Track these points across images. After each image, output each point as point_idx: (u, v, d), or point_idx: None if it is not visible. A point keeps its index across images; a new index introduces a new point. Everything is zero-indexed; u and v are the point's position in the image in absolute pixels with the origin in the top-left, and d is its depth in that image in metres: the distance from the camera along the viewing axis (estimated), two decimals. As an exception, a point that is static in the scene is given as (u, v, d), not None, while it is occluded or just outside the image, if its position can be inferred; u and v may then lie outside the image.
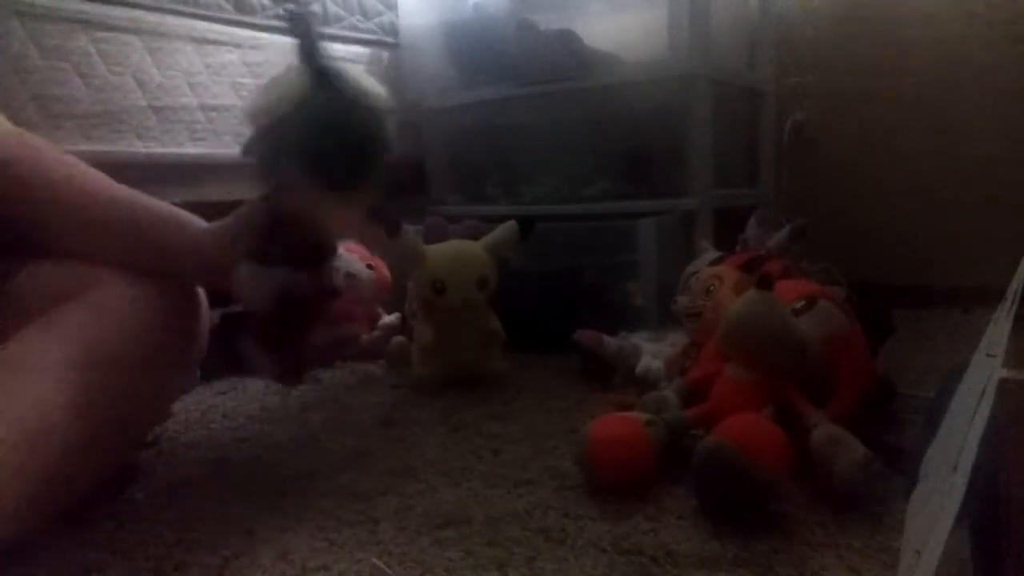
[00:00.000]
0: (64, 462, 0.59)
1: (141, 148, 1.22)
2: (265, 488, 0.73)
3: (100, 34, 1.16)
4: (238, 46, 1.36)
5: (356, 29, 1.60)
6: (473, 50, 1.58)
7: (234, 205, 0.75)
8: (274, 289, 0.70)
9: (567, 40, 1.46)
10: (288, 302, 0.74)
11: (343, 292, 0.87)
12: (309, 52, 0.64)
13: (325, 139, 0.63)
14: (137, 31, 1.21)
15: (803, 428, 0.67)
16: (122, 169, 1.16)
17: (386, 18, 1.67)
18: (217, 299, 0.91)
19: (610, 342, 1.05)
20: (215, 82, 1.32)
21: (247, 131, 0.68)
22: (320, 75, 0.64)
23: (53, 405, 0.59)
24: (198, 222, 0.75)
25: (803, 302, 0.77)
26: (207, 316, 0.81)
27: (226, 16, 1.35)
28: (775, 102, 1.64)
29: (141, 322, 0.69)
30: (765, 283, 0.71)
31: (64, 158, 0.74)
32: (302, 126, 0.63)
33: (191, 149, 1.29)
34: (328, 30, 1.54)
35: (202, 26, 1.31)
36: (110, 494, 0.72)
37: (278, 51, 1.43)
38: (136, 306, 0.69)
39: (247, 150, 0.67)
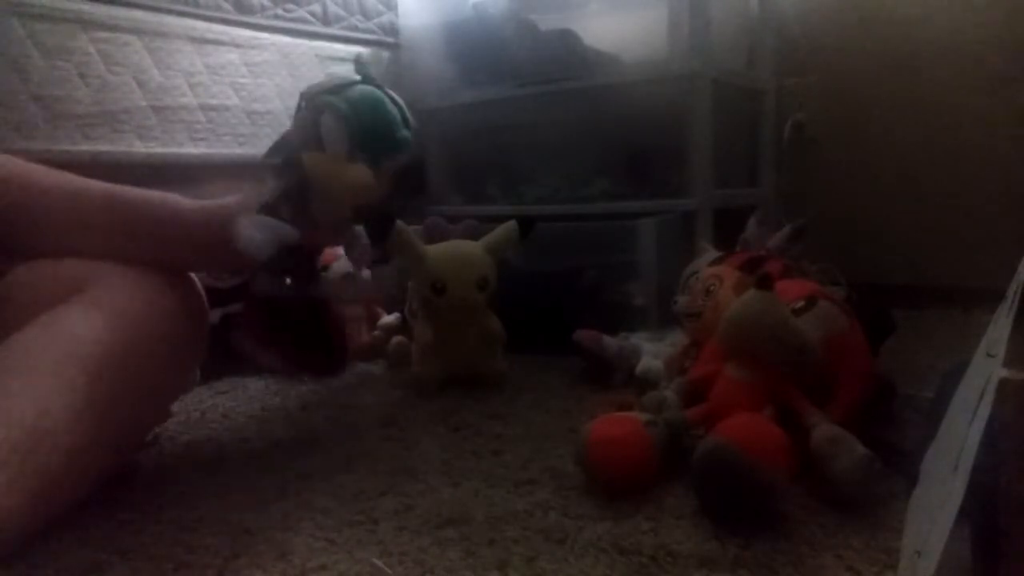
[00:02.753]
0: (64, 462, 0.59)
1: (141, 148, 1.22)
2: (265, 488, 0.73)
3: (100, 34, 1.17)
4: (238, 46, 1.36)
5: (356, 29, 1.60)
6: (473, 50, 1.58)
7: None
8: (273, 236, 0.72)
9: (567, 40, 1.46)
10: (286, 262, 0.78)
11: (333, 300, 0.91)
12: (362, 68, 0.82)
13: (366, 106, 0.78)
14: (137, 31, 1.21)
15: (803, 428, 0.67)
16: (122, 169, 1.17)
17: (386, 18, 1.67)
18: (217, 299, 0.91)
19: (610, 342, 1.05)
20: (215, 82, 1.32)
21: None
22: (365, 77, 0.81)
23: (53, 405, 0.59)
24: (188, 202, 0.75)
25: (803, 302, 0.77)
26: (208, 316, 0.81)
27: (226, 16, 1.35)
28: (775, 102, 1.64)
29: (142, 321, 0.69)
30: (765, 283, 0.71)
31: (42, 167, 0.74)
32: (347, 92, 0.78)
33: (191, 149, 1.29)
34: (328, 30, 1.54)
35: (202, 26, 1.31)
36: (110, 494, 0.72)
37: (278, 51, 1.44)
38: (137, 305, 0.69)
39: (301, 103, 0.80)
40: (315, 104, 0.77)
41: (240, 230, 0.71)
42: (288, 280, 0.84)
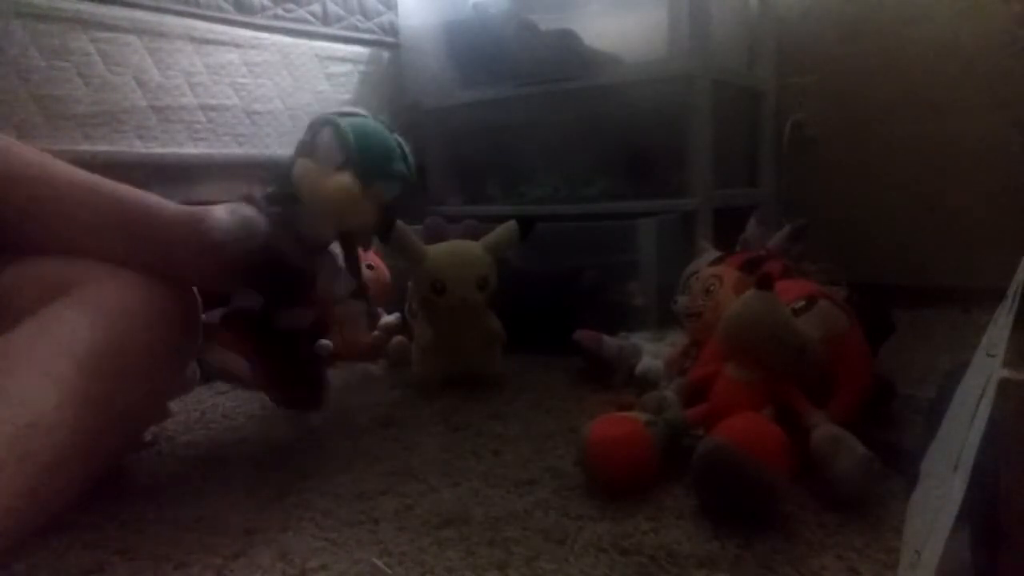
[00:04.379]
0: (60, 461, 0.59)
1: (141, 148, 1.22)
2: (265, 488, 0.73)
3: (100, 34, 1.17)
4: (238, 46, 1.36)
5: (356, 29, 1.60)
6: (473, 50, 1.58)
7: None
8: (243, 220, 0.72)
9: (567, 40, 1.46)
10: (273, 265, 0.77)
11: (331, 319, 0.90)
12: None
13: (366, 129, 0.78)
14: (137, 31, 1.21)
15: (803, 428, 0.67)
16: (122, 169, 1.17)
17: (386, 18, 1.67)
18: (217, 299, 0.91)
19: (610, 342, 1.05)
20: (215, 82, 1.32)
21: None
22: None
23: (47, 404, 0.59)
24: (174, 207, 0.75)
25: (803, 302, 0.77)
26: (200, 313, 0.81)
27: (226, 16, 1.35)
28: (775, 102, 1.64)
29: (134, 319, 0.69)
30: (765, 283, 0.71)
31: (37, 152, 0.73)
32: (352, 118, 0.79)
33: (191, 149, 1.29)
34: (328, 30, 1.54)
35: (202, 26, 1.31)
36: (110, 494, 0.72)
37: (278, 51, 1.44)
38: (129, 303, 0.69)
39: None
40: (318, 125, 0.78)
41: (212, 214, 0.71)
42: (271, 300, 0.81)
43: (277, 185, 0.79)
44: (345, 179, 0.74)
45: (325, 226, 0.79)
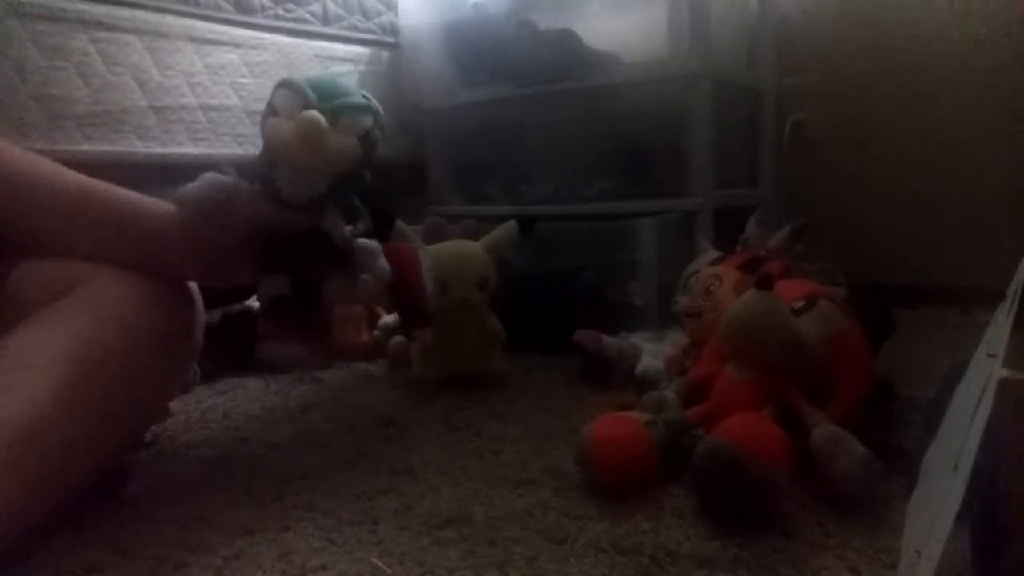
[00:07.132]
0: (59, 460, 0.59)
1: (141, 148, 1.22)
2: (265, 488, 0.73)
3: (100, 34, 1.17)
4: (238, 46, 1.37)
5: (356, 29, 1.60)
6: (473, 50, 1.58)
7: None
8: (206, 184, 0.73)
9: (567, 40, 1.46)
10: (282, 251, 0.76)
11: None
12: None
13: (320, 78, 0.77)
14: (137, 31, 1.21)
15: (803, 428, 0.67)
16: (122, 169, 1.17)
17: (386, 18, 1.67)
18: (217, 299, 0.91)
19: (610, 342, 1.05)
20: (215, 82, 1.32)
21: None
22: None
23: (46, 402, 0.59)
24: (164, 204, 0.75)
25: (803, 302, 0.77)
26: (202, 312, 0.81)
27: (226, 16, 1.35)
28: (775, 102, 1.64)
29: (135, 318, 0.69)
30: (765, 283, 0.71)
31: (27, 153, 0.73)
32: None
33: (191, 149, 1.29)
34: (328, 30, 1.54)
35: (202, 26, 1.31)
36: (110, 494, 0.72)
37: (278, 51, 1.44)
38: (129, 302, 0.69)
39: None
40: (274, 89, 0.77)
41: (179, 191, 0.72)
42: (298, 276, 0.79)
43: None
44: (307, 113, 0.72)
45: (307, 179, 0.75)
